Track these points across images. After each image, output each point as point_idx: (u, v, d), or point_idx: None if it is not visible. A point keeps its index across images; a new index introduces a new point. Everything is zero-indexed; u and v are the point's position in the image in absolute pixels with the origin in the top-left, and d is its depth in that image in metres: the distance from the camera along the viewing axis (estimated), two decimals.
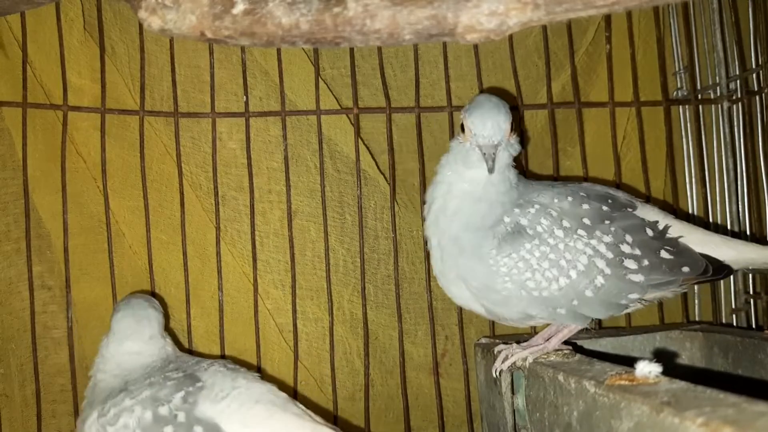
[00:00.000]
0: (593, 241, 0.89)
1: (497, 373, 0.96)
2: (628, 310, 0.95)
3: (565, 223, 0.90)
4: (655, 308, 1.24)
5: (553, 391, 0.79)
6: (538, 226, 0.90)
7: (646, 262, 0.90)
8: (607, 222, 0.91)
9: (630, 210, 0.94)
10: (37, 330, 1.14)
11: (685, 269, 0.91)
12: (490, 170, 0.88)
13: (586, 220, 0.90)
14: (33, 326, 1.13)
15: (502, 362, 0.95)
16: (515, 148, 0.93)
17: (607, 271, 0.89)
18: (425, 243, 1.23)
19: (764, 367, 0.97)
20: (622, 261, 0.89)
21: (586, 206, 0.92)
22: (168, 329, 1.17)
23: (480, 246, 0.90)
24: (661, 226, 0.93)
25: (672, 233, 0.93)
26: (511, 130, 0.91)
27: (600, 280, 0.89)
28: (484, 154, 0.88)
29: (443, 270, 0.95)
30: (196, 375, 0.95)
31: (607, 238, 0.90)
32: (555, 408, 0.79)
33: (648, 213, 0.95)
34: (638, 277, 0.89)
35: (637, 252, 0.90)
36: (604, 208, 0.92)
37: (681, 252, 0.92)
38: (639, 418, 0.60)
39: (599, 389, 0.68)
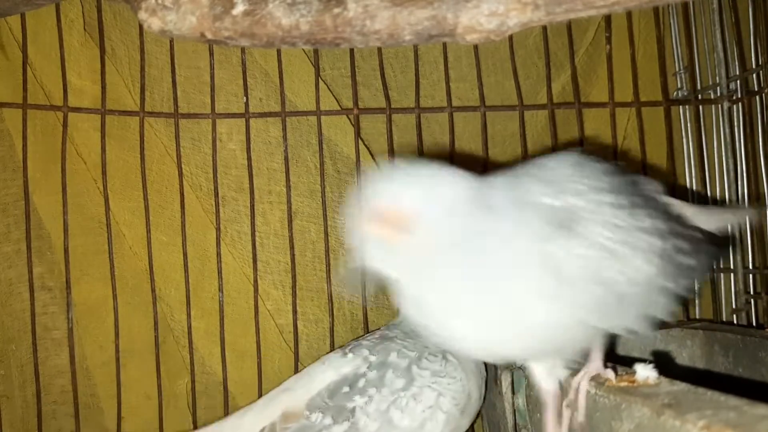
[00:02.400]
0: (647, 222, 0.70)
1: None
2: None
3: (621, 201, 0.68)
4: None
5: None
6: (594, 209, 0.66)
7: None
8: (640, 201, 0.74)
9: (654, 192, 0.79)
10: (38, 331, 1.14)
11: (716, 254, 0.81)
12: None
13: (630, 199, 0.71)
14: (33, 327, 1.13)
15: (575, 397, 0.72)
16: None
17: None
18: None
19: (765, 365, 0.97)
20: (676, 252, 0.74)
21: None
22: None
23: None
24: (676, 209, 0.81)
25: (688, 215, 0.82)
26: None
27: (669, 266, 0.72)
28: None
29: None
30: None
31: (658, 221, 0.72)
32: None
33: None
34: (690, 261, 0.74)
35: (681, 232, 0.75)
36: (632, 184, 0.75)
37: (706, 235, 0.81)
38: (640, 420, 0.60)
39: (600, 390, 0.68)
